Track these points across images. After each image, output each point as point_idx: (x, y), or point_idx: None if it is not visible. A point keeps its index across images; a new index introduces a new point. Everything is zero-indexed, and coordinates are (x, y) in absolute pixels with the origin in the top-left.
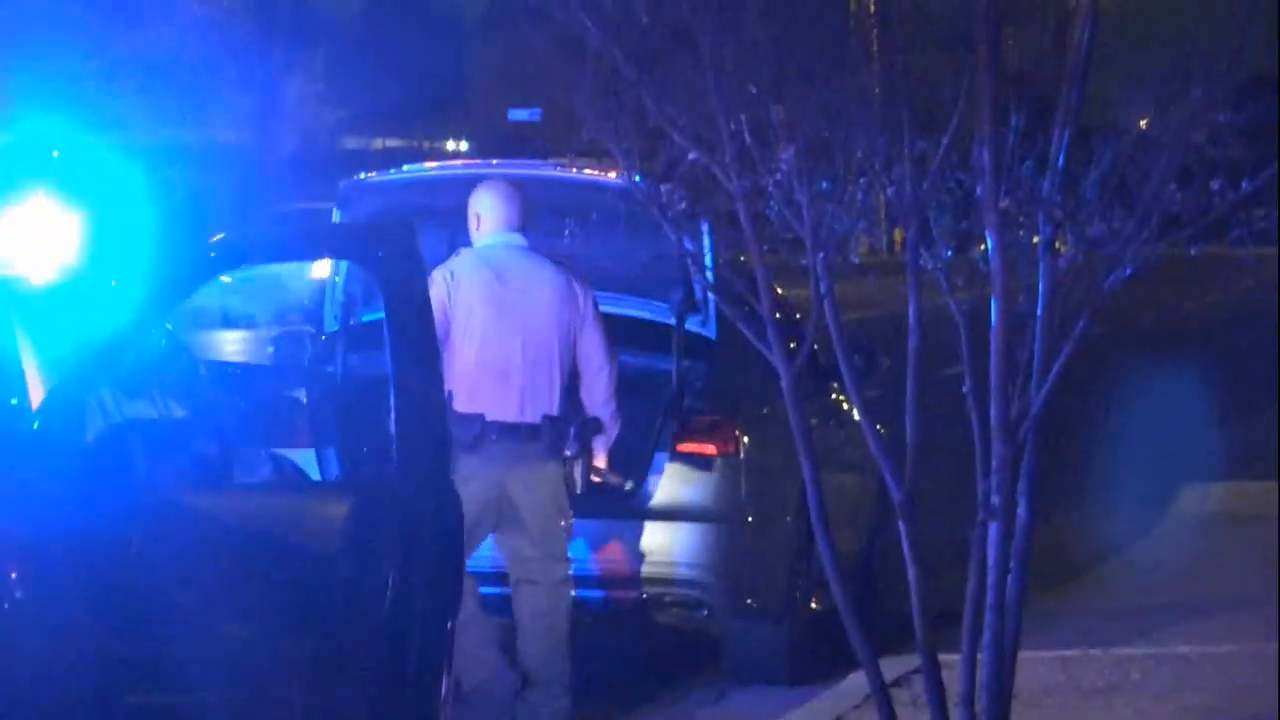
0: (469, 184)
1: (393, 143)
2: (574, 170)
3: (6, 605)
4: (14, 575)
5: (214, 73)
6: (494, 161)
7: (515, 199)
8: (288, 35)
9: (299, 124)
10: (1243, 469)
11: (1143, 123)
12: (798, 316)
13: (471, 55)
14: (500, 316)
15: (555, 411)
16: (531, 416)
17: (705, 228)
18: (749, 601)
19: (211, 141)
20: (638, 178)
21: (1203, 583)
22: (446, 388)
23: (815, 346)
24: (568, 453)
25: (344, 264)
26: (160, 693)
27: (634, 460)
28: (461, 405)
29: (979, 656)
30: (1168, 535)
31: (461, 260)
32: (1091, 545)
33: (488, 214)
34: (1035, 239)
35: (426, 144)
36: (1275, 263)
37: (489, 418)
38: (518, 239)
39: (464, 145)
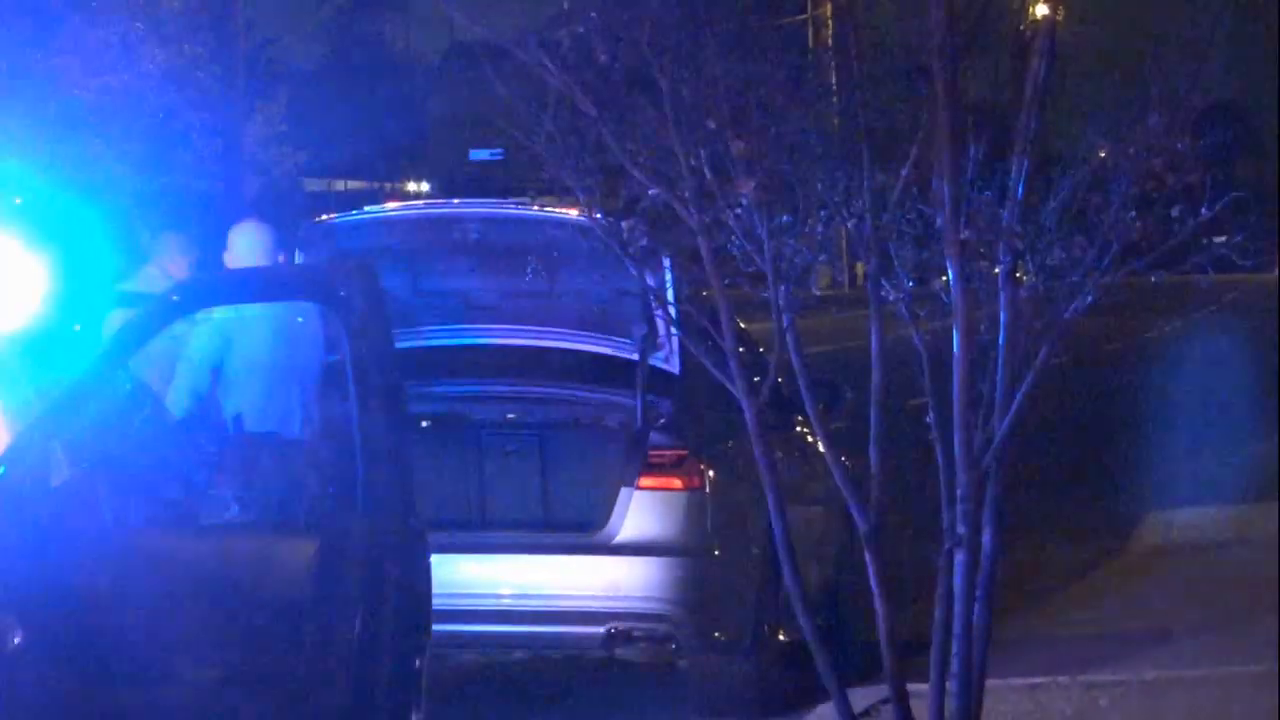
0: (431, 224)
1: (354, 184)
2: (535, 208)
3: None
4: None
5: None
6: (455, 201)
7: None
8: (249, 79)
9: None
10: (1207, 495)
11: (1101, 151)
12: (760, 350)
13: (432, 96)
14: None
15: None
16: None
17: (667, 263)
18: (716, 635)
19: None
20: (599, 214)
21: (1169, 609)
22: None
23: (779, 379)
24: None
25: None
26: None
27: (599, 496)
28: None
29: (947, 686)
30: (1133, 562)
31: None
32: (1057, 573)
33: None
34: (996, 269)
35: (388, 185)
36: (1230, 288)
37: None
38: None
39: (425, 186)
